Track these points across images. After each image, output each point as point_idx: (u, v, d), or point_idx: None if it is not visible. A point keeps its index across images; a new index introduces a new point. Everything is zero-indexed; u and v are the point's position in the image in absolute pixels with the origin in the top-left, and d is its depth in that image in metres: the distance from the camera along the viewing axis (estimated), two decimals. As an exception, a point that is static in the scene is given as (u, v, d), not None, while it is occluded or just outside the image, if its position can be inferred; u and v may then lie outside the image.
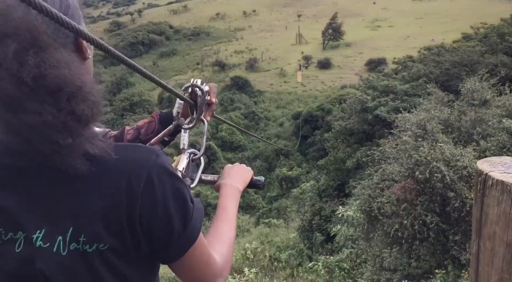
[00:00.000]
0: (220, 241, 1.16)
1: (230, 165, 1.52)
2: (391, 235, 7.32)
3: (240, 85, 67.75)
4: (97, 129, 1.14)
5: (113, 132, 1.48)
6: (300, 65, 76.81)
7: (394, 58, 34.45)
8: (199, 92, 1.41)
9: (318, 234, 18.39)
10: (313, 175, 32.07)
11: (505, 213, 1.01)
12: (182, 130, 1.46)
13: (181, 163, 1.37)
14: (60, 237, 0.89)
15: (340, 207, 15.25)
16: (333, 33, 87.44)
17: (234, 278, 8.93)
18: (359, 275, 12.66)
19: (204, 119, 1.46)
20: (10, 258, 0.89)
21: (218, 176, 1.49)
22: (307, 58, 79.21)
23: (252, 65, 80.00)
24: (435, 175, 6.65)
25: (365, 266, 11.92)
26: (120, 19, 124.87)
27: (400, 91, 21.42)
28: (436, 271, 6.84)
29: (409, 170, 6.86)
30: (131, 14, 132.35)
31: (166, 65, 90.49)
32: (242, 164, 1.54)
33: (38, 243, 0.89)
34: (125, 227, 0.91)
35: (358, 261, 13.51)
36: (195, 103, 1.42)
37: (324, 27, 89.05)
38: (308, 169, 44.16)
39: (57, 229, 0.89)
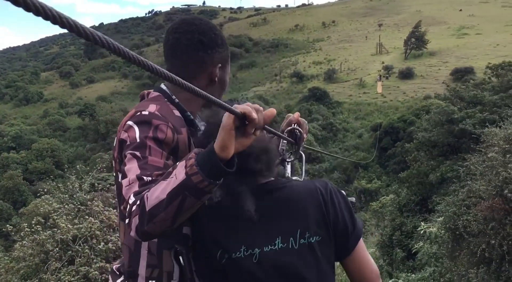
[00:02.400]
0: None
1: None
2: (478, 255, 6.97)
3: (318, 96, 67.50)
4: None
5: None
6: (380, 76, 75.14)
7: (489, 63, 32.47)
8: (298, 134, 1.88)
9: (398, 250, 17.79)
10: (393, 188, 31.11)
11: None
12: (286, 162, 1.89)
13: None
14: (291, 238, 1.45)
15: (423, 223, 14.69)
16: (416, 42, 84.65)
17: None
18: (443, 295, 12.11)
19: (303, 154, 1.92)
20: (255, 265, 1.46)
21: None
22: (387, 68, 77.34)
23: (330, 76, 79.48)
24: (527, 193, 6.26)
25: (449, 286, 11.39)
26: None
27: (489, 102, 20.31)
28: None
29: (497, 188, 6.48)
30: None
31: (245, 77, 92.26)
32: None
33: (280, 245, 1.45)
34: (326, 226, 1.47)
35: (442, 280, 12.92)
36: (295, 141, 1.88)
37: (407, 36, 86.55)
38: (388, 182, 42.93)
39: (288, 233, 1.45)
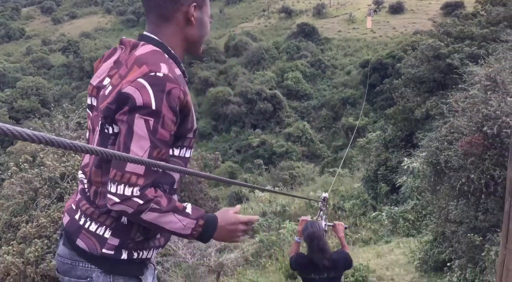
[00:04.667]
0: None
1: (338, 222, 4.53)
2: (458, 188, 7.21)
3: (307, 32, 66.27)
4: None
5: None
6: (370, 10, 73.61)
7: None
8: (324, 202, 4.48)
9: (383, 185, 18.28)
10: (380, 124, 31.44)
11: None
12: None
13: None
14: (326, 274, 4.11)
15: (406, 158, 15.03)
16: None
17: (297, 224, 9.19)
18: (424, 227, 12.62)
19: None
20: None
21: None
22: (378, 3, 75.63)
23: (319, 11, 77.65)
24: (504, 130, 6.37)
25: (429, 218, 11.83)
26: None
27: (478, 36, 20.09)
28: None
29: (477, 124, 6.59)
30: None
31: (232, 12, 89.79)
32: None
33: (325, 275, 4.15)
34: (345, 270, 4.31)
35: (423, 212, 13.42)
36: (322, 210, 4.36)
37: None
38: (375, 118, 43.32)
39: (329, 273, 4.10)
